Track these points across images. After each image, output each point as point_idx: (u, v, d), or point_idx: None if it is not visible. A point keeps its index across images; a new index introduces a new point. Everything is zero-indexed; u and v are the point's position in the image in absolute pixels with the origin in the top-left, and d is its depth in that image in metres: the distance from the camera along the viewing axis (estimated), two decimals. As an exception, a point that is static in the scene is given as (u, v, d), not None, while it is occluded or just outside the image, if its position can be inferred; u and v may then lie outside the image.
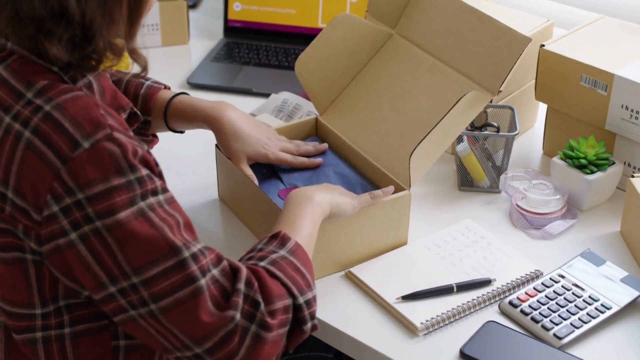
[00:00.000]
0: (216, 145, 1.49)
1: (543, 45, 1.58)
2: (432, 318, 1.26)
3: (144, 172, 1.01)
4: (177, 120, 1.46)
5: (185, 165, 1.63)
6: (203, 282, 1.01)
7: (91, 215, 0.98)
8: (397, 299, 1.29)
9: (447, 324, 1.27)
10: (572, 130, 1.59)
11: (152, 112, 1.44)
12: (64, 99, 1.01)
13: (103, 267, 1.00)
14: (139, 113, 1.19)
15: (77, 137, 0.98)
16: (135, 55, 1.09)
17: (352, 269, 1.35)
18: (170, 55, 2.05)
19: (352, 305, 1.31)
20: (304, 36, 2.06)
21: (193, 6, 2.27)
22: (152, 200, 1.01)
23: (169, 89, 1.49)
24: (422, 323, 1.25)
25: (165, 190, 1.04)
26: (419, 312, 1.27)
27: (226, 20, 2.11)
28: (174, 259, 1.00)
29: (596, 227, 1.48)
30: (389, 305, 1.29)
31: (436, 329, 1.26)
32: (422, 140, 1.31)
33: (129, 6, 1.05)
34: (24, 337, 1.10)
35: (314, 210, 1.23)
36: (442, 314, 1.27)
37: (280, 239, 1.14)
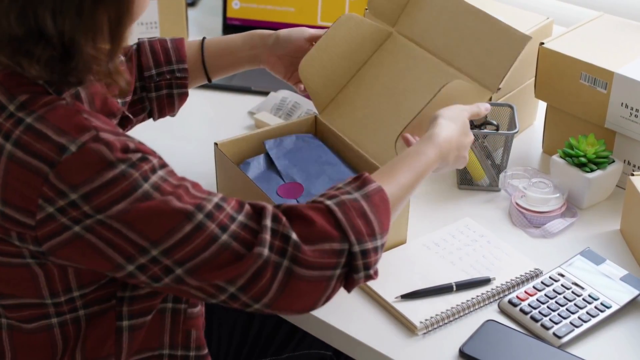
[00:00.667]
0: (215, 144, 1.48)
1: (542, 43, 1.58)
2: (431, 317, 1.26)
3: (135, 156, 0.99)
4: (218, 67, 1.49)
5: (184, 164, 1.62)
6: (226, 236, 1.00)
7: (89, 212, 0.97)
8: (396, 297, 1.29)
9: (446, 323, 1.27)
10: (572, 128, 1.59)
11: (186, 63, 1.46)
12: (45, 110, 1.00)
13: (116, 249, 0.99)
14: (130, 116, 1.18)
15: (63, 141, 0.97)
16: (117, 76, 1.06)
17: (351, 268, 1.35)
18: (169, 54, 2.05)
19: (351, 304, 1.30)
20: (303, 34, 2.06)
21: (192, 4, 2.26)
22: (154, 178, 1.00)
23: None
24: (421, 322, 1.25)
25: (163, 165, 1.03)
26: (419, 311, 1.27)
27: (225, 18, 2.11)
28: (190, 225, 0.99)
29: (596, 226, 1.48)
30: (388, 304, 1.29)
31: (435, 328, 1.26)
32: (407, 126, 1.32)
33: (109, 21, 1.02)
34: (38, 324, 1.10)
35: (433, 164, 1.21)
36: (442, 312, 1.27)
37: (361, 181, 1.10)
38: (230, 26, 2.10)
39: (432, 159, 1.21)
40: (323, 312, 1.28)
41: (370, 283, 1.31)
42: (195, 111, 1.84)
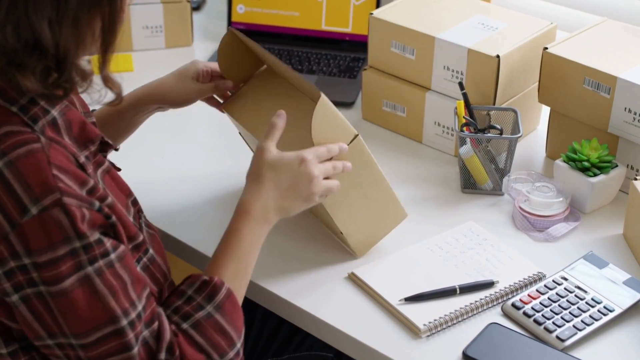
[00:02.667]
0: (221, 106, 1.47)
1: (546, 48, 1.58)
2: (435, 320, 1.26)
3: (93, 237, 1.00)
4: (112, 135, 1.42)
5: (187, 164, 1.63)
6: (136, 350, 1.03)
7: (35, 280, 0.99)
8: (400, 300, 1.29)
9: (449, 326, 1.27)
10: (575, 132, 1.59)
11: None
12: (17, 155, 0.98)
13: (43, 325, 1.01)
14: (110, 142, 1.16)
15: (26, 201, 0.97)
16: (109, 83, 1.06)
17: (355, 271, 1.35)
18: (173, 57, 2.05)
19: (355, 307, 1.31)
20: (308, 38, 2.07)
21: (197, 8, 2.27)
22: (101, 263, 1.01)
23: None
24: (424, 325, 1.26)
25: (116, 247, 1.04)
26: (422, 314, 1.27)
27: (230, 22, 2.11)
28: (112, 327, 1.02)
29: (599, 230, 1.48)
30: (391, 306, 1.29)
31: (439, 331, 1.26)
32: None
33: (102, 32, 1.02)
34: None
35: (258, 231, 1.20)
36: (445, 315, 1.27)
37: (211, 289, 1.13)
38: (235, 30, 2.11)
39: (247, 231, 1.19)
40: (326, 314, 1.28)
41: (374, 285, 1.32)
42: (199, 113, 1.84)
